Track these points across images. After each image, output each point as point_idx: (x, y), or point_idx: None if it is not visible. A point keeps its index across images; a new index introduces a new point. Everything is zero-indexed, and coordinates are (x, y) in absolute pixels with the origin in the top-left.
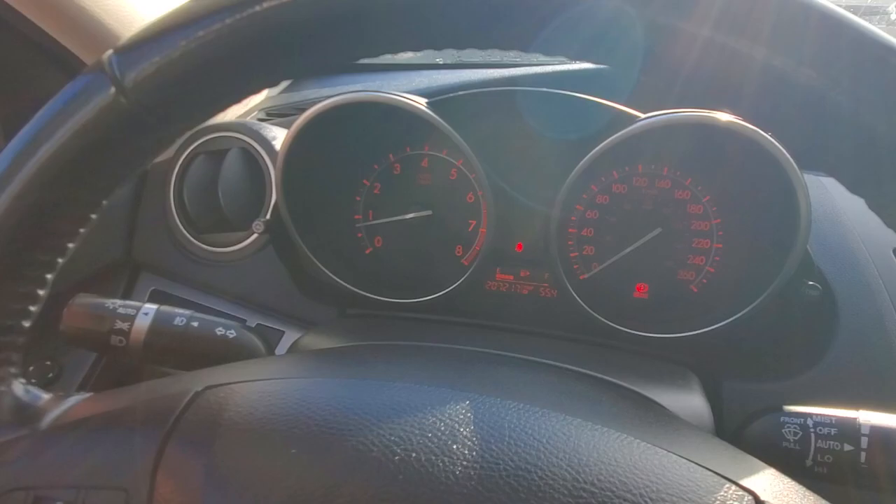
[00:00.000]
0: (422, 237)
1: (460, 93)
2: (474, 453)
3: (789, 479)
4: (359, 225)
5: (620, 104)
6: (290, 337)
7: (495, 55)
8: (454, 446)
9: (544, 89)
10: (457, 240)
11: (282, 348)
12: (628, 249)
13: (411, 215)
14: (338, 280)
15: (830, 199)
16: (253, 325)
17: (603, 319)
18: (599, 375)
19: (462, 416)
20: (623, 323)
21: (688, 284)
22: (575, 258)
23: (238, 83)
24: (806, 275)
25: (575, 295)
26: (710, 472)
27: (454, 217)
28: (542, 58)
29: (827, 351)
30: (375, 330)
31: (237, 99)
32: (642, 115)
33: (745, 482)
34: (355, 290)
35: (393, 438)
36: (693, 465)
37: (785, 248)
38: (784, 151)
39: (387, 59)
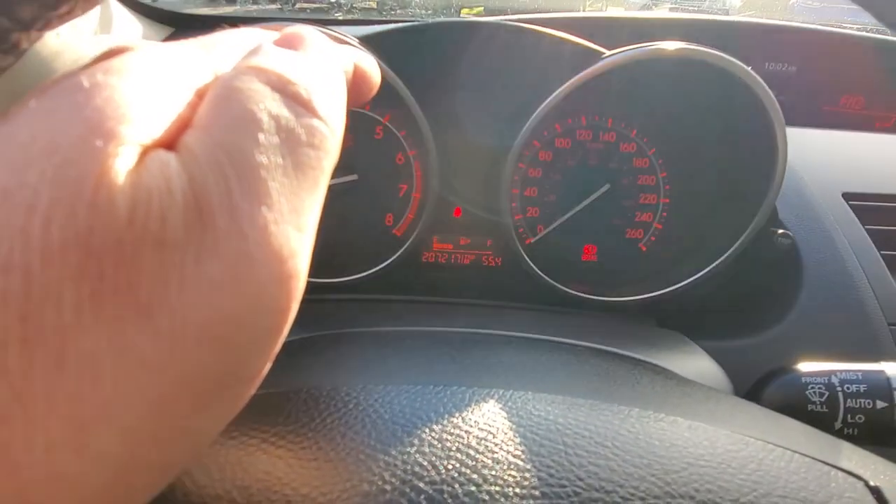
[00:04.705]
0: (346, 207)
1: (394, 27)
2: (527, 473)
3: (879, 457)
4: None
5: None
6: None
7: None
8: (494, 465)
9: (492, 19)
10: (386, 207)
11: None
12: (577, 209)
13: (331, 181)
14: None
15: None
16: None
17: (558, 285)
18: (607, 348)
19: (492, 423)
20: (576, 287)
21: (636, 243)
22: (519, 221)
23: None
24: (773, 225)
25: (528, 259)
26: (809, 459)
27: (382, 182)
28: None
29: (795, 301)
30: (307, 318)
31: None
32: (606, 52)
33: (843, 465)
34: None
35: (408, 465)
36: (788, 451)
37: (755, 197)
38: (763, 84)
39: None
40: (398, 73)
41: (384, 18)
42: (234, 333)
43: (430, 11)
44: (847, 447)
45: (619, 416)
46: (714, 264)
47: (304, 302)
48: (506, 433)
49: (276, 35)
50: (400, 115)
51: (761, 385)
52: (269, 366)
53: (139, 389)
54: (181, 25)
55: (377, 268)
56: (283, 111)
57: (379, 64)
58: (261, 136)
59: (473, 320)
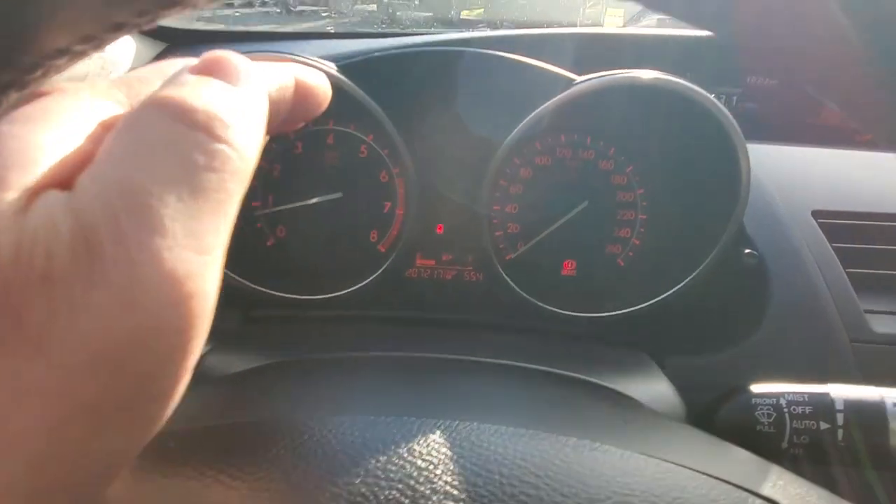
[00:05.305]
0: (331, 223)
1: (373, 55)
2: (462, 503)
3: (805, 481)
4: (258, 213)
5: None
6: None
7: (388, 23)
8: (431, 496)
9: (468, 49)
10: (371, 224)
11: None
12: (556, 225)
13: (316, 199)
14: (236, 278)
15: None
16: None
17: (536, 301)
18: (565, 373)
19: (435, 454)
20: (555, 304)
21: (615, 258)
22: (500, 237)
23: None
24: (741, 243)
25: (505, 276)
26: (730, 486)
27: (367, 199)
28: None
29: (762, 319)
30: (287, 338)
31: None
32: (577, 78)
33: (764, 491)
34: (258, 288)
35: (352, 496)
36: (711, 479)
37: (722, 216)
38: (724, 110)
39: (265, 27)
40: (378, 97)
41: (378, 31)
42: (130, 357)
43: (430, 13)
44: (778, 473)
45: (556, 446)
46: (683, 283)
47: (288, 320)
48: (446, 464)
49: (194, 63)
50: (383, 134)
51: (716, 405)
52: (184, 383)
53: (39, 418)
54: (174, 41)
55: (362, 283)
56: (180, 138)
57: (358, 91)
58: (152, 165)
59: (440, 345)
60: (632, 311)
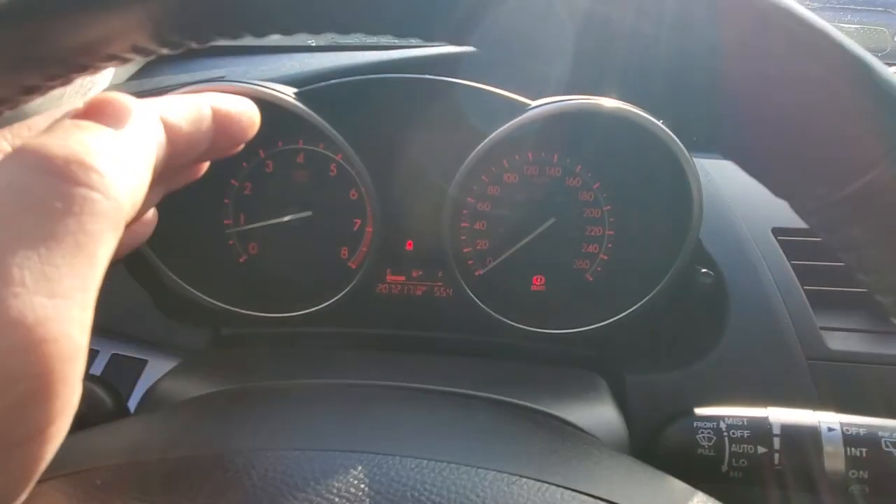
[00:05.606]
0: (303, 240)
1: (332, 81)
2: None
3: None
4: (229, 231)
5: (507, 90)
6: (154, 367)
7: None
8: None
9: (425, 76)
10: (342, 241)
11: (144, 381)
12: (523, 242)
13: (288, 217)
14: (206, 299)
15: (712, 180)
16: (108, 357)
17: (500, 317)
18: (508, 399)
19: (353, 489)
20: (522, 320)
21: (583, 274)
22: (469, 253)
23: None
24: (698, 261)
25: (470, 293)
26: None
27: (337, 216)
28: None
29: (720, 337)
30: (251, 359)
31: None
32: (531, 103)
33: None
34: (229, 307)
35: None
36: None
37: (679, 235)
38: (672, 135)
39: (252, 40)
40: (340, 121)
41: (359, 45)
42: None
43: None
44: (699, 502)
45: (473, 479)
46: (644, 300)
47: (255, 339)
48: (362, 500)
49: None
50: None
51: (662, 428)
52: (61, 423)
53: None
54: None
55: (333, 300)
56: (35, 185)
57: (315, 117)
58: (2, 214)
59: (392, 368)
60: (597, 327)
